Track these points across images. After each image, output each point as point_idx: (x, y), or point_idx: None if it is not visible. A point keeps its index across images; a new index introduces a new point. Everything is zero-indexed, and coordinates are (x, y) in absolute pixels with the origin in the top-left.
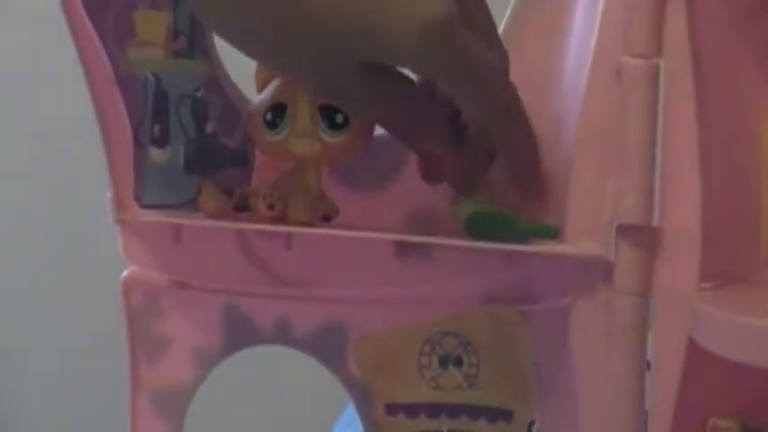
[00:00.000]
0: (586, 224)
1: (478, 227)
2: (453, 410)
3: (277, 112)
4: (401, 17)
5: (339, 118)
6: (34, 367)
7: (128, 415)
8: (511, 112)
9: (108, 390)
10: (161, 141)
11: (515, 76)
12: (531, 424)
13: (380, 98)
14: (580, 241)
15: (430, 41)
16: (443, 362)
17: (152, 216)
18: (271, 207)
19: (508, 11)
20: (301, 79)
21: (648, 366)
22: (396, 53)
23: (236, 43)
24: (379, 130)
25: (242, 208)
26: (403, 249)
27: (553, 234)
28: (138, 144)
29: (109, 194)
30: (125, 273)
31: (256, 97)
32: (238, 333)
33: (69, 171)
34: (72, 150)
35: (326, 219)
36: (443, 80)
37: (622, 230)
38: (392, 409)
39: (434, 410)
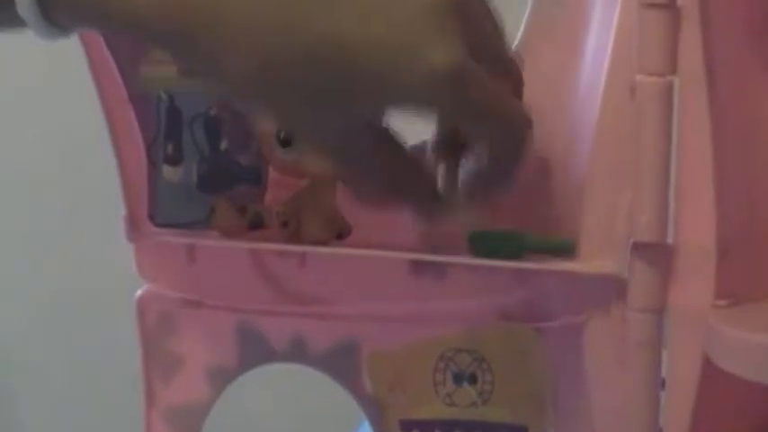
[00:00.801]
0: (601, 241)
1: (481, 245)
2: (468, 427)
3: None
4: (411, 66)
5: None
6: (40, 381)
7: None
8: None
9: (120, 408)
10: (174, 160)
11: (528, 90)
12: None
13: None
14: (594, 259)
15: (441, 91)
16: (457, 379)
17: (166, 235)
18: (284, 224)
19: (522, 26)
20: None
21: (663, 384)
22: (407, 101)
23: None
24: None
25: (255, 226)
26: (417, 267)
27: (569, 250)
28: (152, 162)
29: (123, 213)
30: (139, 291)
31: None
32: (252, 351)
33: (83, 188)
34: (86, 168)
35: (340, 236)
36: (458, 120)
37: (637, 248)
38: (407, 425)
39: (449, 427)
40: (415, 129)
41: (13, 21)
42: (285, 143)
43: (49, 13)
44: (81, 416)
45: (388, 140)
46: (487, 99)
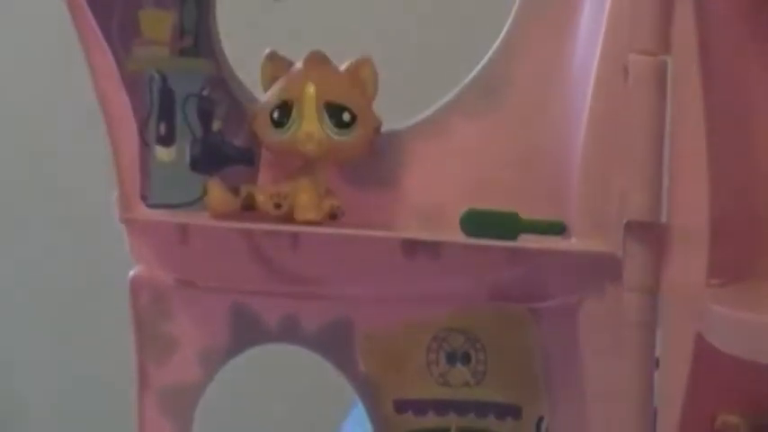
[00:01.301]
0: (594, 221)
1: (473, 225)
2: (461, 407)
3: (284, 110)
4: None
5: (346, 116)
6: (36, 367)
7: (135, 415)
8: None
9: (113, 390)
10: (167, 140)
11: (522, 73)
12: (540, 420)
13: None
14: (588, 238)
15: None
16: (451, 358)
17: (158, 216)
18: (277, 206)
19: (514, 8)
20: None
21: (657, 363)
22: None
23: None
24: (385, 128)
25: (248, 207)
26: (410, 247)
27: (559, 231)
28: (144, 143)
29: (115, 194)
30: (132, 272)
31: (263, 95)
32: (246, 331)
33: (76, 169)
34: (79, 148)
35: (333, 217)
36: None
37: (630, 227)
38: (400, 405)
39: (443, 407)
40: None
41: None
42: (278, 124)
43: None
44: (76, 395)
45: None
46: None
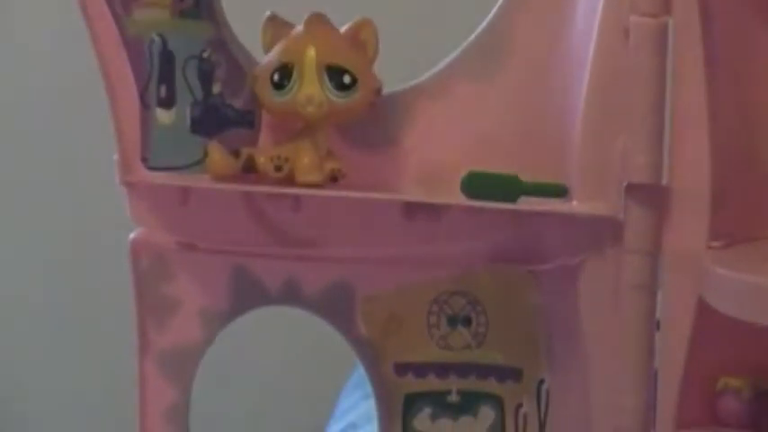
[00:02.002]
0: (596, 183)
1: (474, 187)
2: (462, 370)
3: (284, 72)
4: None
5: (347, 78)
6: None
7: (136, 379)
8: None
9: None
10: (167, 102)
11: (523, 35)
12: (541, 383)
13: None
14: (589, 201)
15: None
16: (452, 321)
17: (159, 178)
18: (278, 169)
19: None
20: None
21: (658, 325)
22: None
23: None
24: (386, 90)
25: (249, 169)
26: (411, 210)
27: (561, 193)
28: (145, 106)
29: (115, 156)
30: (132, 235)
31: (263, 57)
32: (246, 294)
33: (77, 132)
34: (79, 111)
35: (334, 179)
36: None
37: (631, 189)
38: (401, 368)
39: (443, 370)
40: None
41: None
42: (278, 86)
43: None
44: (75, 369)
45: None
46: None
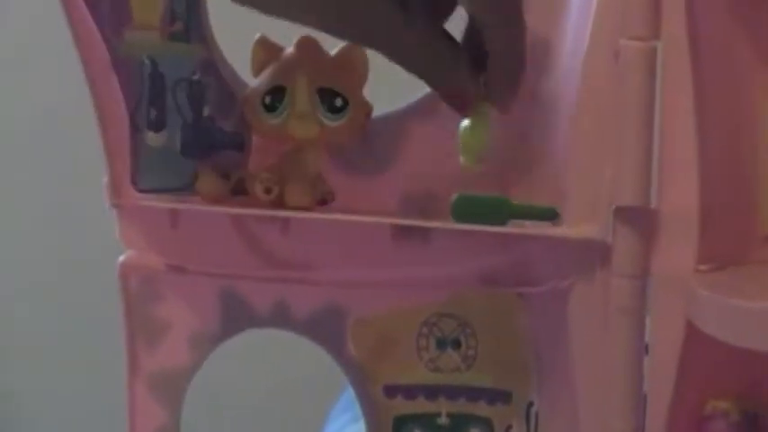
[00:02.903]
0: (584, 207)
1: (463, 210)
2: (452, 392)
3: (276, 95)
4: None
5: (338, 101)
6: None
7: (126, 401)
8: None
9: (105, 377)
10: (157, 125)
11: None
12: (530, 405)
13: (407, 35)
14: (578, 224)
15: None
16: (441, 344)
17: (148, 200)
18: (268, 191)
19: None
20: (331, 23)
21: (647, 349)
22: None
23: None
24: (375, 113)
25: (239, 192)
26: (400, 232)
27: (551, 216)
28: (135, 128)
29: (105, 179)
30: (122, 257)
31: (253, 80)
32: (236, 316)
33: (67, 155)
34: (68, 134)
35: (323, 202)
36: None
37: (620, 213)
38: (390, 390)
39: (433, 392)
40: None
41: None
42: (270, 108)
43: None
44: (70, 382)
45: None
46: None
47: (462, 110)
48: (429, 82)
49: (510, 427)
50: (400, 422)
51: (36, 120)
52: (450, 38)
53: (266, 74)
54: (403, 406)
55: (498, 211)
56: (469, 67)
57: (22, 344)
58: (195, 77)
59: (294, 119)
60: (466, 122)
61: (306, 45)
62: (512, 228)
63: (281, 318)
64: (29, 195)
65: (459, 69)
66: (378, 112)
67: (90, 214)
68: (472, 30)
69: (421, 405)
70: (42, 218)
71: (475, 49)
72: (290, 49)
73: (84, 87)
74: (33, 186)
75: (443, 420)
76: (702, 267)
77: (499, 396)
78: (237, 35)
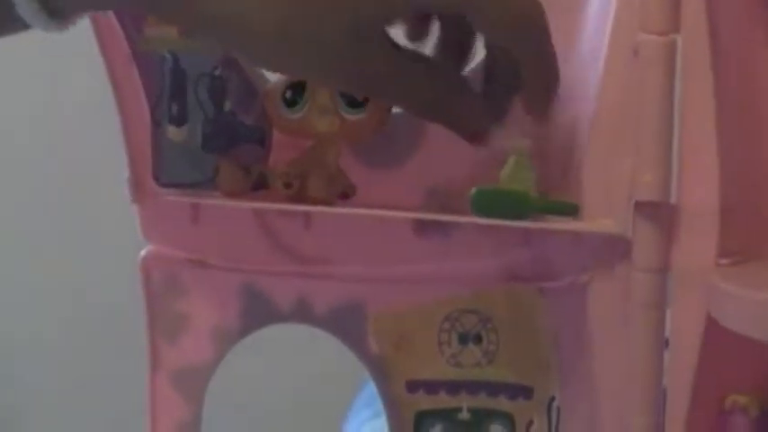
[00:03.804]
0: (604, 201)
1: (483, 204)
2: (473, 387)
3: (297, 89)
4: None
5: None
6: (37, 359)
7: (146, 395)
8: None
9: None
10: (179, 120)
11: None
12: (552, 400)
13: (409, 78)
14: (598, 219)
15: None
16: (463, 339)
17: (170, 195)
18: (288, 186)
19: None
20: (329, 73)
21: (667, 344)
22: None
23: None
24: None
25: (260, 186)
26: (421, 227)
27: (572, 212)
28: (156, 123)
29: (126, 174)
30: (143, 252)
31: (274, 75)
32: (257, 311)
33: (88, 150)
34: (91, 129)
35: (344, 196)
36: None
37: (640, 207)
38: (412, 386)
39: (454, 387)
40: None
41: (14, 23)
42: (290, 103)
43: (48, 5)
44: (83, 385)
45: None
46: None
47: (478, 142)
48: (447, 125)
49: (531, 422)
50: (421, 417)
51: (59, 114)
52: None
53: None
54: (424, 401)
55: (518, 206)
56: (480, 100)
57: (35, 347)
58: (216, 72)
59: (315, 113)
60: (508, 166)
61: None
62: (532, 222)
63: (302, 313)
64: (45, 193)
65: (473, 106)
66: None
67: (112, 208)
68: (491, 60)
69: (442, 400)
70: (63, 216)
71: (493, 80)
72: None
73: (105, 83)
74: (48, 183)
75: (464, 415)
76: (723, 262)
77: (520, 391)
78: None
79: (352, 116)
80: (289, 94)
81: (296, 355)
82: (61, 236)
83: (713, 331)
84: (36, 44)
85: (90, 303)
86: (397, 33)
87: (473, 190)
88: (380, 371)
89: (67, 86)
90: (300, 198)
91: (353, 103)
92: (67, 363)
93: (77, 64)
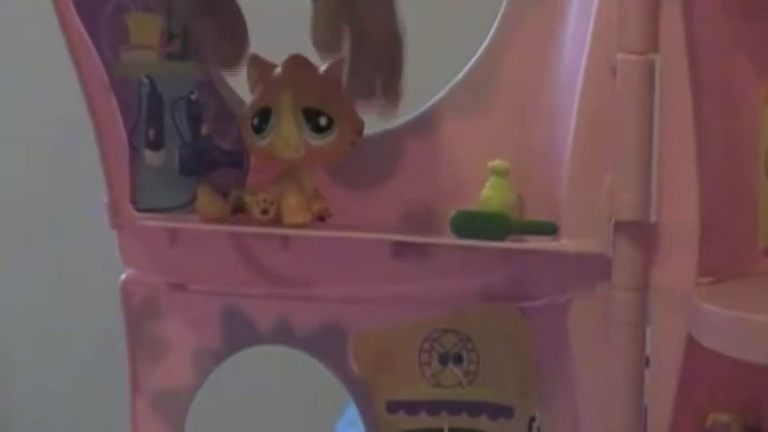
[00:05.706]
0: (584, 221)
1: (462, 225)
2: (454, 407)
3: (263, 116)
4: None
5: (323, 121)
6: (34, 371)
7: (128, 418)
8: None
9: (108, 394)
10: (156, 144)
11: (510, 73)
12: (532, 420)
13: None
14: (578, 238)
15: None
16: (443, 359)
17: (148, 220)
18: (265, 212)
19: (502, 7)
20: None
21: (647, 362)
22: None
23: None
24: (368, 130)
25: (238, 210)
26: (399, 248)
27: (550, 232)
28: (133, 147)
29: (105, 199)
30: (123, 276)
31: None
32: (238, 334)
33: (65, 176)
34: (67, 155)
35: (321, 219)
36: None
37: (620, 227)
38: (393, 406)
39: (435, 408)
40: None
41: None
42: (258, 130)
43: None
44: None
45: None
46: None
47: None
48: None
49: None
50: None
51: (35, 138)
52: None
53: (255, 94)
54: (405, 422)
55: (497, 227)
56: None
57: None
58: (193, 96)
59: (279, 140)
60: (487, 187)
61: (293, 64)
62: (511, 243)
63: (282, 335)
64: (28, 219)
65: None
66: (375, 128)
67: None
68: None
69: (423, 421)
70: (42, 241)
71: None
72: (278, 68)
73: (82, 108)
74: (31, 210)
75: None
76: (702, 280)
77: (501, 411)
78: None
79: (317, 141)
80: (255, 122)
81: (278, 376)
82: (46, 261)
83: (693, 350)
84: (13, 66)
85: (77, 326)
86: None
87: (452, 212)
88: (361, 392)
89: (44, 110)
90: (279, 221)
91: (318, 129)
92: (53, 381)
93: (53, 88)
